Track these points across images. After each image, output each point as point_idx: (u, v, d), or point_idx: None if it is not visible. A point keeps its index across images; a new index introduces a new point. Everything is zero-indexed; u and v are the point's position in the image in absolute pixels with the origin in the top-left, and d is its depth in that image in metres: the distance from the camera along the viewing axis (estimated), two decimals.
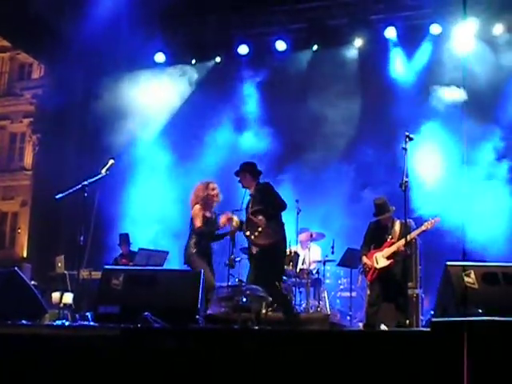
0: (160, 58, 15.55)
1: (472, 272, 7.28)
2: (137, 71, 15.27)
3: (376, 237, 9.93)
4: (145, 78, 15.53)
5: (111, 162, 9.19)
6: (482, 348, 5.34)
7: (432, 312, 9.78)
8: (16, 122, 30.64)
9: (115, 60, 14.34)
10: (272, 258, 8.94)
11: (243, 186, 9.35)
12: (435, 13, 13.68)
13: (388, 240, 9.79)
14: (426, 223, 9.60)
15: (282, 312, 9.19)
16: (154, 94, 15.68)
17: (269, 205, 9.01)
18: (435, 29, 13.71)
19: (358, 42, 14.48)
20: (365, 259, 9.86)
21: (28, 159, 29.33)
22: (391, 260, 9.65)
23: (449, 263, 7.96)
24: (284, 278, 9.89)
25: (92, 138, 13.99)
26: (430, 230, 9.73)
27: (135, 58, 15.03)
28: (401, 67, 14.16)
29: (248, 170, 9.30)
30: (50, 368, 6.58)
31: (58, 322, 8.26)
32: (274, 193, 9.13)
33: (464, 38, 13.56)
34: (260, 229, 8.98)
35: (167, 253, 12.03)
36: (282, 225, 9.14)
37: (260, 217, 8.99)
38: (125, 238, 12.89)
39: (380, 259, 9.72)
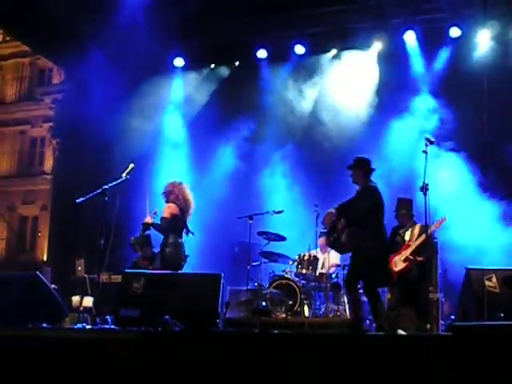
0: (179, 62, 15.59)
1: (493, 276, 7.25)
2: (156, 76, 15.32)
3: (396, 240, 9.95)
4: (164, 82, 15.61)
5: (131, 165, 9.25)
6: (502, 352, 5.31)
7: (453, 316, 9.76)
8: (36, 126, 30.82)
9: (134, 64, 14.39)
10: (354, 263, 8.77)
11: (353, 182, 9.03)
12: (455, 16, 13.60)
13: (406, 243, 9.81)
14: (434, 223, 9.58)
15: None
16: (173, 99, 15.77)
17: (354, 209, 8.72)
18: (455, 32, 13.64)
19: (377, 46, 14.44)
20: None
21: (48, 163, 29.45)
22: (407, 263, 9.64)
23: (470, 267, 7.94)
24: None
25: (112, 141, 14.03)
26: (438, 230, 9.76)
27: (154, 62, 15.08)
28: (420, 70, 14.08)
29: (360, 166, 8.97)
30: (71, 371, 6.61)
31: (79, 326, 8.31)
32: (368, 199, 8.71)
33: (484, 41, 13.51)
34: (336, 234, 8.87)
35: (187, 256, 12.04)
36: (370, 231, 8.57)
37: (342, 220, 8.84)
38: (146, 240, 12.88)
39: (398, 262, 9.73)
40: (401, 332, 9.06)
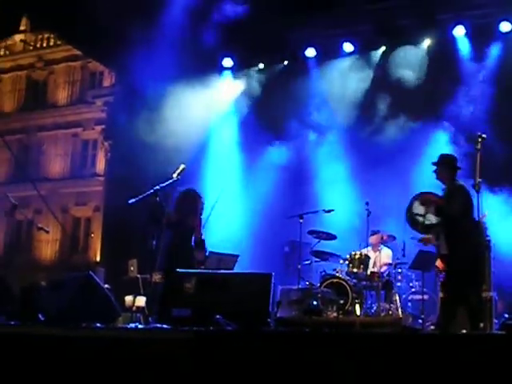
0: (228, 63, 15.66)
1: None
2: (205, 77, 15.40)
3: None
4: (213, 83, 15.69)
5: (182, 166, 9.31)
6: None
7: (506, 315, 9.61)
8: (88, 129, 31.27)
9: (184, 65, 14.47)
10: (448, 270, 8.76)
11: (437, 178, 8.98)
12: (505, 10, 13.41)
13: None
14: None
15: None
16: (222, 99, 15.84)
17: (447, 210, 8.61)
18: (505, 26, 13.44)
19: (427, 42, 14.30)
20: (438, 262, 9.73)
21: (100, 165, 29.86)
22: None
23: None
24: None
25: (162, 143, 14.14)
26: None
27: (203, 63, 15.15)
28: (471, 66, 13.89)
29: (446, 163, 8.91)
30: (124, 370, 6.69)
31: (132, 325, 8.39)
32: (458, 199, 8.61)
33: None
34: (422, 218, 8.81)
35: (237, 256, 12.07)
36: (462, 233, 8.51)
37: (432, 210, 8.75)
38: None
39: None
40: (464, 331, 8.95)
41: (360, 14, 14.38)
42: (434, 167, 8.97)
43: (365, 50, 14.87)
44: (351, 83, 14.52)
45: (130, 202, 9.07)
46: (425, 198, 8.82)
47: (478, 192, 8.19)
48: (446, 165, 8.85)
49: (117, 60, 15.05)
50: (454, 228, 8.52)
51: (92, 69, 31.09)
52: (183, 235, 10.08)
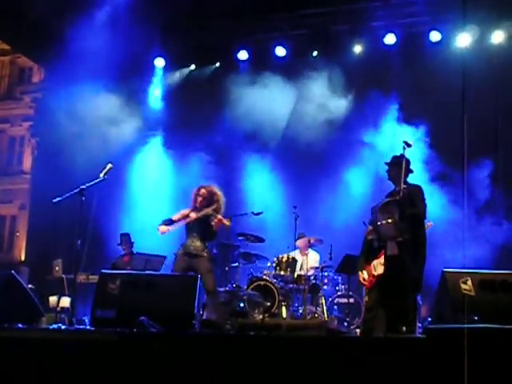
0: (160, 63, 15.58)
1: (469, 279, 7.25)
2: (136, 75, 15.29)
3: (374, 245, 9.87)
4: (144, 82, 15.60)
5: (109, 165, 9.19)
6: (477, 355, 5.34)
7: (430, 319, 9.77)
8: (15, 125, 30.67)
9: (115, 63, 14.32)
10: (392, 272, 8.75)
11: (389, 179, 8.74)
12: (435, 20, 13.69)
13: None
14: None
15: None
16: (153, 98, 15.76)
17: (415, 210, 8.42)
18: (435, 36, 13.70)
19: (358, 49, 14.47)
20: (362, 274, 9.67)
21: (27, 163, 29.33)
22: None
23: (446, 270, 7.95)
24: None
25: (90, 141, 13.98)
26: None
27: (135, 62, 15.03)
28: (400, 74, 14.07)
29: (399, 164, 8.50)
30: (46, 372, 6.57)
31: (54, 326, 8.25)
32: (422, 199, 8.49)
33: (463, 45, 13.58)
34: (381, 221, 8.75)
35: (165, 257, 12.01)
36: (421, 236, 8.42)
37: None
38: (126, 238, 12.84)
39: (377, 266, 9.64)
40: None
41: (293, 19, 14.49)
42: (387, 167, 8.89)
43: (297, 54, 14.95)
44: (282, 87, 14.57)
45: (55, 201, 8.93)
46: (383, 206, 8.78)
47: (402, 198, 8.28)
48: (398, 166, 8.56)
49: (46, 56, 14.83)
50: (417, 229, 8.50)
51: (21, 64, 30.48)
52: None
